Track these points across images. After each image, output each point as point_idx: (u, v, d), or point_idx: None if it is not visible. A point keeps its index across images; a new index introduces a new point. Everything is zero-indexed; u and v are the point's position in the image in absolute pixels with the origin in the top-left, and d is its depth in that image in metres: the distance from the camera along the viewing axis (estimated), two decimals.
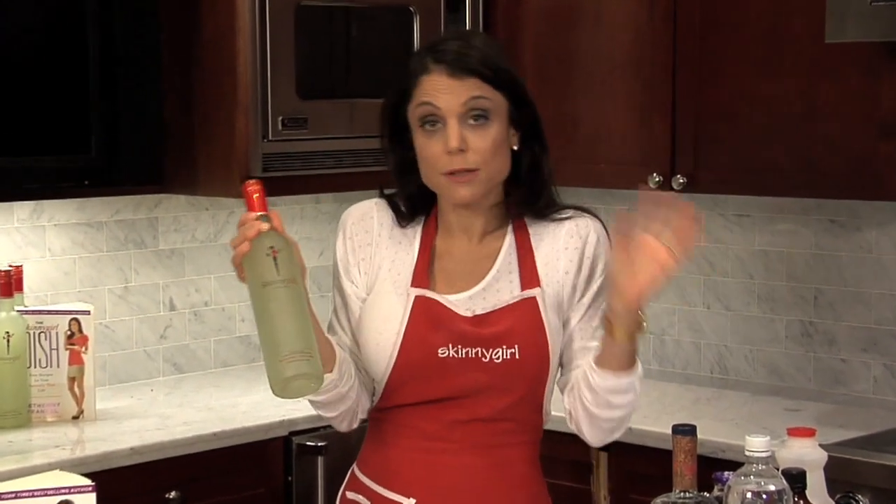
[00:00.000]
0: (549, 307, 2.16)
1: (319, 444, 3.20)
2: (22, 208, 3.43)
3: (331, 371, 2.10)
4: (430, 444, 2.15)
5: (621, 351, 2.07)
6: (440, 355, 2.12)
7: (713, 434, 3.11)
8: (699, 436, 2.03)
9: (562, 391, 2.21)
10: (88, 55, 3.23)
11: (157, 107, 3.42)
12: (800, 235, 3.58)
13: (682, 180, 3.40)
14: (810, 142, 3.23)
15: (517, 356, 2.12)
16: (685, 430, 1.99)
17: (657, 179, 3.43)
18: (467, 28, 3.57)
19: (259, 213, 1.94)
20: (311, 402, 2.18)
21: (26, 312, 3.18)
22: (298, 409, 3.28)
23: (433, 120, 2.11)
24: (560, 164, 3.67)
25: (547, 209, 2.20)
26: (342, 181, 3.48)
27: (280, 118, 3.35)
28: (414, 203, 2.20)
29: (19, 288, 3.19)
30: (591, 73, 3.60)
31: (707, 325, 3.77)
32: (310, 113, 3.40)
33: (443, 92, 2.10)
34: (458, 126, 2.10)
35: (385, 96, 2.20)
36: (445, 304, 2.15)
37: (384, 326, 2.14)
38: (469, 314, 2.14)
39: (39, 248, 3.47)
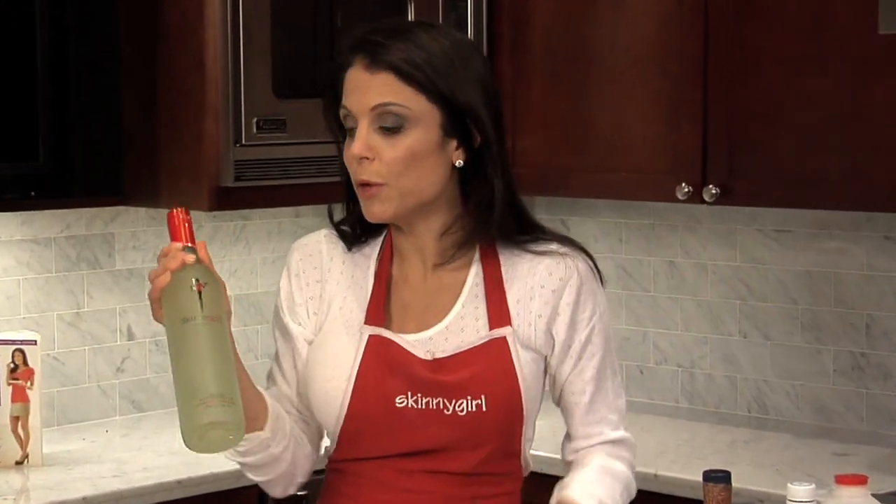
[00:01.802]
0: (522, 348, 2.13)
1: (299, 493, 3.18)
2: None
3: (262, 428, 2.08)
4: (396, 497, 2.12)
5: None
6: (398, 405, 2.09)
7: (750, 482, 3.10)
8: (734, 484, 2.03)
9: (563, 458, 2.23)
10: (36, 49, 3.23)
11: (115, 107, 3.42)
12: (849, 254, 3.58)
13: (714, 191, 3.40)
14: (860, 147, 3.22)
15: (484, 408, 2.09)
16: (718, 478, 1.99)
17: (686, 190, 3.43)
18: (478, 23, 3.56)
19: (185, 245, 1.95)
20: (239, 463, 2.16)
21: None
22: None
23: (351, 124, 2.10)
24: (574, 173, 3.73)
25: (511, 235, 2.16)
26: (325, 192, 3.42)
27: (255, 120, 3.35)
28: (364, 225, 2.16)
29: None
30: (609, 68, 3.60)
31: (743, 356, 3.77)
32: (288, 114, 3.40)
33: (356, 90, 2.08)
34: (366, 130, 2.07)
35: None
36: (402, 344, 2.12)
37: (333, 372, 2.11)
38: (429, 357, 2.11)
39: None
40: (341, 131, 2.15)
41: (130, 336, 3.70)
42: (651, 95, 3.53)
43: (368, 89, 2.06)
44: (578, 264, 2.18)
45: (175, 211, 1.99)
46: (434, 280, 2.16)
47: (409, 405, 2.09)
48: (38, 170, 3.26)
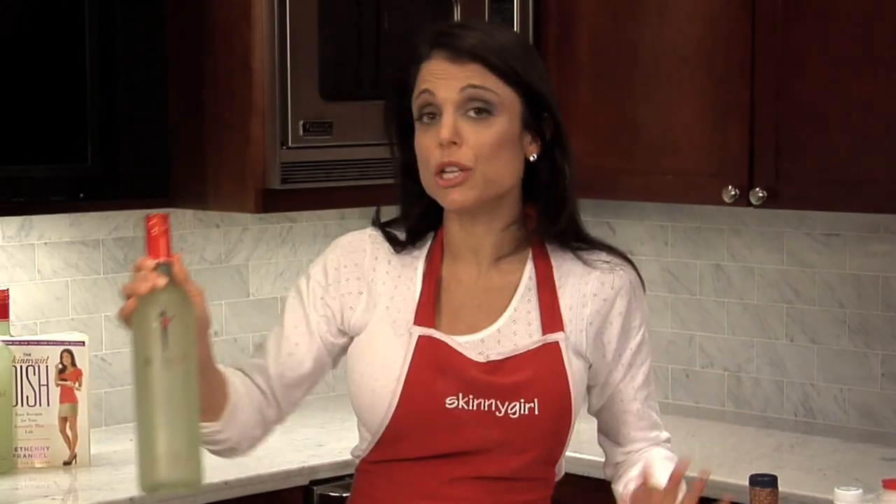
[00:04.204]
0: (573, 354, 2.15)
1: (344, 494, 3.20)
2: (8, 224, 3.46)
3: (215, 420, 2.06)
4: None
5: None
6: (448, 406, 2.09)
7: (797, 486, 3.09)
8: (781, 488, 2.03)
9: (609, 478, 2.26)
10: (85, 51, 3.26)
11: (162, 109, 3.44)
12: None
13: (761, 194, 3.39)
14: None
15: (536, 412, 2.10)
16: (765, 482, 1.99)
17: (733, 193, 3.42)
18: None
19: (158, 262, 1.86)
20: None
21: (12, 343, 3.20)
22: (320, 456, 3.29)
23: (431, 112, 2.09)
24: (620, 176, 3.73)
25: (571, 237, 2.17)
26: (370, 195, 3.46)
27: (301, 122, 3.37)
28: (417, 220, 2.17)
29: (5, 315, 3.22)
30: (655, 70, 3.59)
31: (790, 360, 3.75)
32: (335, 117, 3.41)
33: (441, 78, 2.08)
34: (453, 116, 2.07)
35: (387, 92, 2.19)
36: (454, 346, 2.11)
37: (381, 371, 2.11)
38: (482, 359, 2.11)
39: (28, 269, 3.49)
40: (399, 133, 2.15)
41: None
42: (698, 97, 3.52)
43: (455, 76, 2.07)
44: (629, 274, 2.20)
45: (153, 218, 1.89)
46: (486, 281, 2.17)
47: (460, 406, 2.09)
48: (86, 172, 3.28)
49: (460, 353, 2.11)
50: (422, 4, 3.58)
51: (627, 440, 2.24)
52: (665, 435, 2.27)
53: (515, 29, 3.70)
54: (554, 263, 2.17)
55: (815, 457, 3.45)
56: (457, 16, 3.58)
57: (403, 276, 2.17)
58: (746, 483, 2.09)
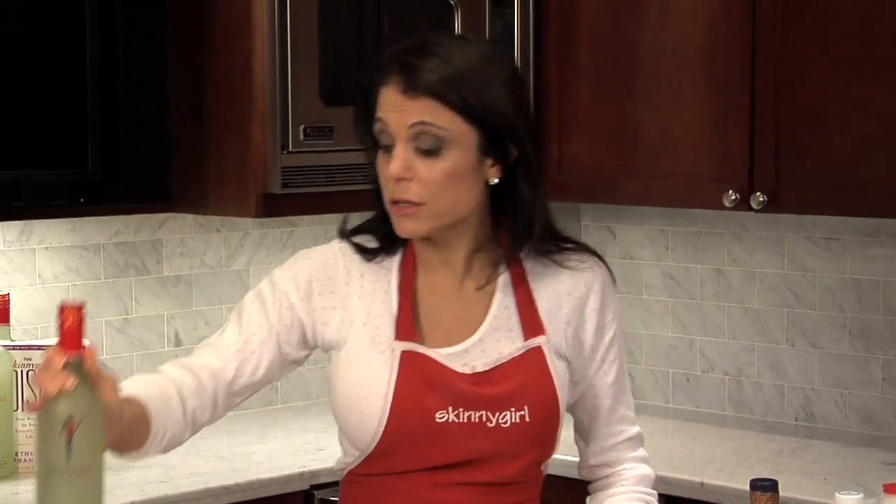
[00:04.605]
0: (555, 356, 2.15)
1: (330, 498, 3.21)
2: (9, 229, 3.46)
3: (137, 450, 2.04)
4: None
5: None
6: (438, 420, 2.08)
7: (798, 491, 3.09)
8: (781, 492, 2.02)
9: (584, 478, 2.26)
10: (85, 55, 3.26)
11: (163, 114, 3.44)
12: None
13: (762, 198, 3.39)
14: None
15: (527, 418, 2.10)
16: (766, 486, 1.99)
17: (733, 197, 3.42)
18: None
19: (68, 358, 1.77)
20: None
21: (13, 348, 3.20)
22: (321, 460, 3.29)
23: (387, 141, 2.08)
24: (620, 180, 3.73)
25: (542, 245, 2.15)
26: (371, 199, 3.48)
27: (302, 127, 3.37)
28: (391, 231, 2.13)
29: (5, 320, 3.22)
30: (656, 74, 3.59)
31: (791, 365, 3.75)
32: (335, 121, 3.41)
33: (394, 110, 2.06)
34: (404, 151, 2.05)
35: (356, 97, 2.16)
36: (438, 359, 2.10)
37: (368, 391, 2.08)
38: (468, 371, 2.10)
39: (28, 274, 3.50)
40: (373, 141, 2.13)
41: (178, 342, 3.72)
42: (698, 101, 3.52)
43: (405, 109, 2.05)
44: (600, 270, 2.20)
45: (67, 308, 1.78)
46: (462, 290, 2.16)
47: (451, 420, 2.08)
48: (87, 176, 3.28)
49: (446, 367, 2.10)
50: (422, 8, 3.58)
51: (597, 436, 2.23)
52: (635, 430, 2.25)
53: (515, 33, 3.70)
54: (526, 266, 2.17)
55: (815, 461, 3.45)
56: (457, 21, 3.58)
57: (378, 291, 2.15)
58: (747, 487, 2.09)
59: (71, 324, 1.77)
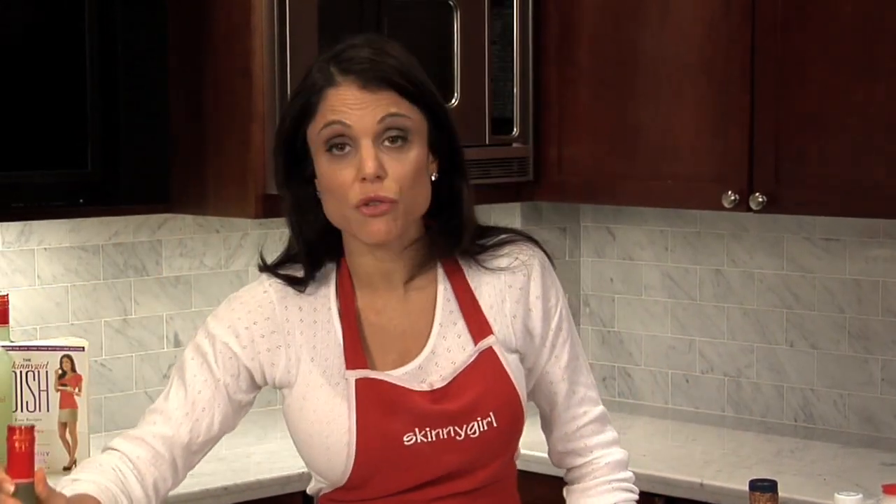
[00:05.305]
0: (507, 352, 2.11)
1: None
2: (8, 230, 3.46)
3: None
4: None
5: None
6: (406, 444, 2.03)
7: (797, 491, 3.10)
8: (781, 493, 2.02)
9: (555, 465, 2.24)
10: (85, 56, 3.26)
11: (162, 115, 3.44)
12: None
13: (761, 199, 3.39)
14: None
15: (495, 424, 2.07)
16: (765, 487, 1.99)
17: (732, 198, 3.42)
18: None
19: (18, 484, 1.72)
20: None
21: (12, 348, 3.20)
22: None
23: (342, 143, 2.00)
24: (620, 181, 3.73)
25: (476, 242, 2.12)
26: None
27: None
28: (316, 254, 2.08)
29: (4, 321, 3.22)
30: (656, 75, 3.60)
31: (790, 365, 3.76)
32: None
33: (354, 108, 1.99)
34: (373, 148, 1.99)
35: (280, 118, 2.08)
36: (394, 381, 2.05)
37: (329, 427, 2.04)
38: (426, 388, 2.06)
39: (27, 275, 3.50)
40: (291, 159, 2.06)
41: (177, 343, 3.72)
42: (698, 103, 3.52)
43: (368, 105, 2.00)
44: (537, 255, 2.16)
45: (17, 432, 1.73)
46: (404, 304, 2.11)
47: (419, 441, 2.04)
48: (86, 177, 3.28)
49: (403, 388, 2.05)
50: (422, 11, 3.59)
51: (560, 420, 2.19)
52: (598, 410, 2.19)
53: (515, 35, 3.70)
54: (464, 268, 2.13)
55: (815, 462, 3.45)
56: (456, 23, 3.58)
57: (320, 321, 2.09)
58: (746, 488, 2.09)
59: (20, 448, 1.73)
